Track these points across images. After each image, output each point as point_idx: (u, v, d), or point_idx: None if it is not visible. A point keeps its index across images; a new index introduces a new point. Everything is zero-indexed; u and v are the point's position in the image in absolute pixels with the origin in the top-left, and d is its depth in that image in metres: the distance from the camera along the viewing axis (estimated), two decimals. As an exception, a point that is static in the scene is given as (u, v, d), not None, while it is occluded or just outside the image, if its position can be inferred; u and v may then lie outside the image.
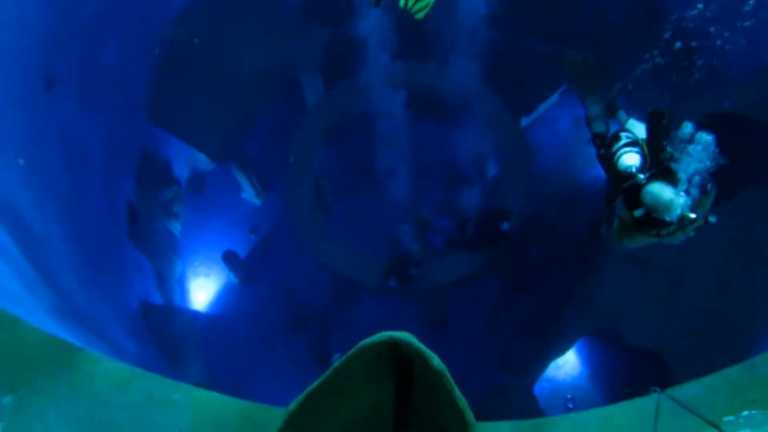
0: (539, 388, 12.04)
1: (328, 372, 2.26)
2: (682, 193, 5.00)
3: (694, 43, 10.33)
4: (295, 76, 12.82)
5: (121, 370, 2.85)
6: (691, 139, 5.11)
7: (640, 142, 5.62)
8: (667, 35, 11.17)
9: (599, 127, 6.32)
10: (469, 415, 2.07)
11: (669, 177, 5.16)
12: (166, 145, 12.31)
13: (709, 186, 5.17)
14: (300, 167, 12.90)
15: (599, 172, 13.06)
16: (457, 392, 2.21)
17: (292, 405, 2.31)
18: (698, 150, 5.06)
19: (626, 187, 5.44)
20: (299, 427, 2.29)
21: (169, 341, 10.72)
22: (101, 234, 9.47)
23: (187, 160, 13.26)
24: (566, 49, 6.55)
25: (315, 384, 2.27)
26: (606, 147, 5.93)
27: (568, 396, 12.30)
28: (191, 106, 11.48)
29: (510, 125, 13.25)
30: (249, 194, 13.88)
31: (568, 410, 12.19)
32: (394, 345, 2.17)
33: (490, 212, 12.24)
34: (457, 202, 12.79)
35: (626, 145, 5.60)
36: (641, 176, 5.31)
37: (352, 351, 2.21)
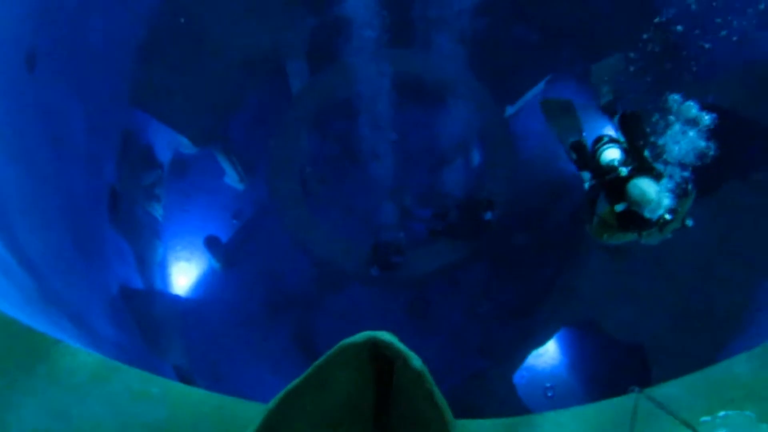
0: (519, 376, 12.11)
1: (309, 370, 2.24)
2: (667, 192, 5.04)
3: (679, 36, 10.35)
4: (280, 61, 12.70)
5: (99, 362, 2.82)
6: (695, 120, 5.17)
7: (621, 141, 5.71)
8: (653, 28, 11.17)
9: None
10: (449, 414, 2.06)
11: (652, 174, 5.21)
12: (149, 128, 12.17)
13: (689, 187, 5.21)
14: (283, 152, 12.81)
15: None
16: (437, 392, 2.20)
17: (272, 402, 2.30)
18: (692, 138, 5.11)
19: (608, 180, 5.50)
20: (278, 423, 2.28)
21: (149, 325, 10.65)
22: (82, 217, 9.36)
23: (169, 143, 13.13)
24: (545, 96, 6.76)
25: (295, 381, 2.26)
26: (584, 150, 6.02)
27: (548, 385, 12.40)
28: (175, 89, 11.37)
29: (495, 112, 13.22)
30: (232, 179, 13.79)
31: (548, 399, 12.30)
32: (375, 345, 2.16)
33: (474, 200, 12.23)
34: (440, 189, 12.77)
35: (607, 142, 5.71)
36: (623, 169, 5.37)
37: (332, 350, 2.20)
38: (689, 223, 5.34)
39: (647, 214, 5.09)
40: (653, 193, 5.02)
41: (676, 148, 5.24)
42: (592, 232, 5.84)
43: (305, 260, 12.86)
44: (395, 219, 12.57)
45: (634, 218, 5.23)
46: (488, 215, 11.89)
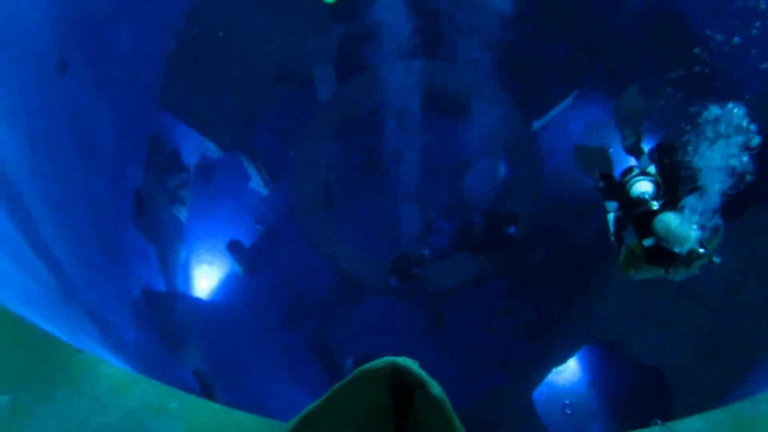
0: (537, 392, 12.01)
1: (328, 393, 2.24)
2: (695, 226, 4.95)
3: (707, 54, 10.24)
4: (307, 69, 12.74)
5: (120, 374, 2.83)
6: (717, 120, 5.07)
7: (653, 174, 5.61)
8: (684, 47, 11.09)
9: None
10: (468, 442, 2.04)
11: (682, 209, 5.12)
12: (176, 132, 12.28)
13: (719, 224, 5.12)
14: (308, 160, 12.86)
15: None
16: (456, 421, 2.19)
17: (290, 423, 2.30)
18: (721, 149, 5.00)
19: (638, 214, 5.39)
20: (296, 446, 2.27)
21: (169, 328, 10.73)
22: (107, 219, 9.45)
23: (196, 147, 13.24)
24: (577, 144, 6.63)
25: (314, 404, 2.26)
26: (613, 179, 5.93)
27: (567, 402, 12.26)
28: (203, 94, 11.47)
29: (521, 127, 13.16)
30: (257, 184, 13.85)
31: (566, 416, 12.18)
32: (395, 370, 2.16)
33: (497, 215, 12.17)
34: (464, 203, 12.73)
35: (639, 174, 5.62)
36: (654, 203, 5.27)
37: (352, 374, 2.20)
38: (716, 260, 5.23)
39: (676, 249, 4.99)
40: (677, 226, 4.93)
41: (712, 156, 5.12)
42: (619, 267, 5.73)
43: (326, 268, 12.87)
44: (417, 230, 12.54)
45: (663, 253, 5.13)
46: (511, 229, 11.84)
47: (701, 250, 4.99)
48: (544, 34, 13.14)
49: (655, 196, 5.38)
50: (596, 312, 11.12)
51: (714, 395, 8.13)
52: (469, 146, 12.67)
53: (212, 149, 13.09)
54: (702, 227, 4.99)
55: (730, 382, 8.02)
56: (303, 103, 13.43)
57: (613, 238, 5.93)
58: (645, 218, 5.25)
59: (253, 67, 11.76)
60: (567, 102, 13.53)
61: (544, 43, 13.18)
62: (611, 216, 6.04)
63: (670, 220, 4.99)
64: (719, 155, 5.01)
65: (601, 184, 6.18)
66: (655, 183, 5.47)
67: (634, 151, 6.39)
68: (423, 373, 2.12)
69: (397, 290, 12.12)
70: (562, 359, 11.77)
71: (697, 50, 10.70)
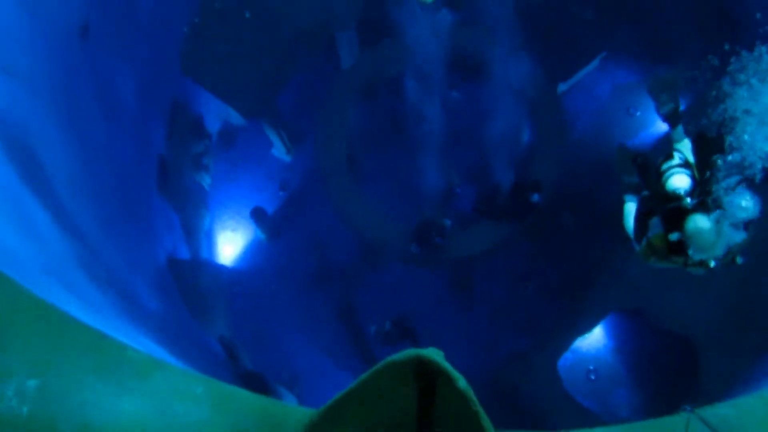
0: (562, 358, 12.00)
1: (355, 383, 2.22)
2: (724, 239, 4.80)
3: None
4: (331, 33, 12.57)
5: (145, 359, 2.83)
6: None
7: (692, 165, 5.38)
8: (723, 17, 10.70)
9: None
10: (492, 433, 2.02)
11: (713, 209, 4.96)
12: (199, 98, 12.23)
13: (751, 227, 4.96)
14: (331, 125, 12.79)
15: (636, 142, 12.79)
16: (482, 413, 2.16)
17: (317, 411, 2.28)
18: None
19: (669, 208, 5.20)
20: (323, 432, 2.26)
21: (194, 294, 10.83)
22: (131, 185, 9.48)
23: (219, 113, 13.20)
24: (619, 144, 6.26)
25: (340, 394, 2.24)
26: (649, 168, 5.69)
27: (591, 367, 12.26)
28: (225, 60, 11.37)
29: (547, 90, 12.94)
30: (279, 150, 13.82)
31: (590, 381, 12.18)
32: (420, 362, 2.13)
33: (522, 181, 12.06)
34: (488, 169, 12.58)
35: (678, 165, 5.37)
36: (688, 200, 5.08)
37: (378, 365, 2.17)
38: (739, 260, 5.09)
39: (693, 255, 4.88)
40: (708, 235, 4.78)
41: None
42: (640, 253, 5.59)
43: (349, 233, 12.88)
44: (440, 195, 12.47)
45: (685, 248, 5.02)
46: (535, 197, 11.72)
47: (711, 263, 4.88)
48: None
49: (691, 193, 5.17)
50: (623, 278, 11.01)
51: (742, 367, 8.05)
52: (494, 109, 12.48)
53: (235, 115, 13.03)
54: (729, 231, 4.85)
55: (758, 354, 7.93)
56: (326, 68, 13.29)
57: (629, 228, 5.78)
58: (676, 214, 5.08)
59: (276, 31, 11.61)
60: (594, 64, 13.25)
61: (570, 3, 12.85)
62: (630, 205, 5.88)
63: (703, 225, 4.82)
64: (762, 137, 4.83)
65: (633, 175, 5.92)
66: (693, 178, 5.25)
67: (671, 118, 6.15)
68: (448, 366, 2.10)
69: (420, 256, 12.10)
70: (588, 326, 11.72)
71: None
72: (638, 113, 13.43)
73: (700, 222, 4.85)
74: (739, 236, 4.87)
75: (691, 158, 5.55)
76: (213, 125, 13.16)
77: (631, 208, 6.00)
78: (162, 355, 5.86)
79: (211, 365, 9.97)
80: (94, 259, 6.77)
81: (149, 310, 8.25)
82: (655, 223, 5.37)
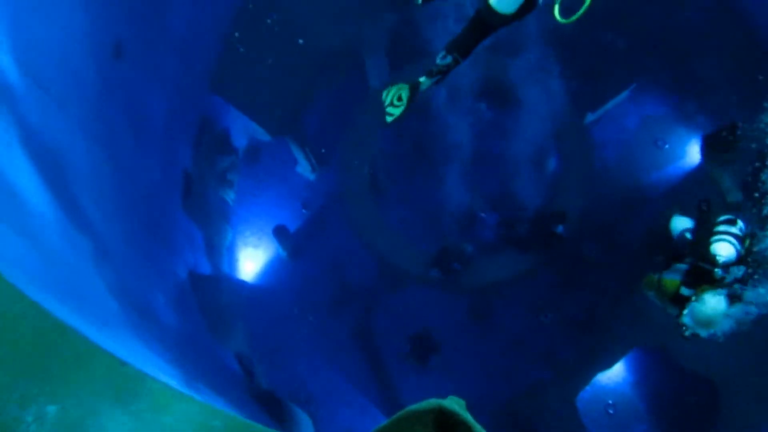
0: (580, 390, 11.83)
1: (373, 431, 2.17)
2: (728, 327, 4.71)
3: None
4: (360, 55, 12.62)
5: (163, 391, 2.80)
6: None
7: (746, 239, 5.22)
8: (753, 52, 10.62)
9: None
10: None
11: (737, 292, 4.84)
12: (227, 114, 12.33)
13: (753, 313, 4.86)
14: (356, 146, 12.81)
15: (663, 175, 12.67)
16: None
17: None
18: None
19: (700, 266, 5.08)
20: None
21: (213, 309, 10.84)
22: (156, 200, 9.54)
23: (245, 129, 13.28)
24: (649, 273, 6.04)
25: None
26: (709, 216, 5.54)
27: (610, 401, 12.06)
28: (254, 78, 11.45)
29: (575, 120, 12.86)
30: (304, 168, 13.84)
31: (608, 416, 11.98)
32: (441, 412, 2.08)
33: (547, 211, 11.98)
34: (512, 197, 12.52)
35: (733, 235, 5.22)
36: (719, 271, 4.95)
37: (398, 414, 2.12)
38: (720, 339, 4.98)
39: (689, 323, 4.79)
40: (717, 316, 4.68)
41: None
42: (644, 282, 5.49)
43: (370, 256, 12.84)
44: (463, 222, 12.41)
45: (685, 308, 4.92)
46: (559, 228, 11.62)
47: (702, 333, 4.78)
48: (602, 24, 12.77)
49: (728, 266, 5.02)
50: (647, 314, 10.83)
51: (763, 409, 7.88)
52: (520, 138, 12.43)
53: (261, 132, 13.10)
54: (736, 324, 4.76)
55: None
56: (354, 89, 13.33)
57: (665, 250, 5.65)
58: (703, 276, 4.97)
59: (305, 51, 11.69)
60: (624, 95, 13.16)
61: (601, 32, 12.79)
62: (679, 227, 5.72)
63: (718, 305, 4.72)
64: None
65: (703, 208, 5.72)
66: (738, 254, 5.08)
67: (737, 208, 5.98)
68: (469, 417, 2.05)
69: (440, 282, 12.03)
70: (609, 361, 11.54)
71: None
72: (666, 146, 13.30)
73: (715, 300, 4.74)
74: (740, 326, 4.79)
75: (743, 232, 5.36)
76: (239, 141, 13.25)
77: (679, 223, 5.82)
78: (179, 371, 5.86)
79: (227, 381, 9.96)
80: (116, 274, 6.80)
81: (168, 324, 8.26)
82: (678, 268, 5.26)
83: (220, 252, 12.27)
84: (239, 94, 11.75)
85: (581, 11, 3.47)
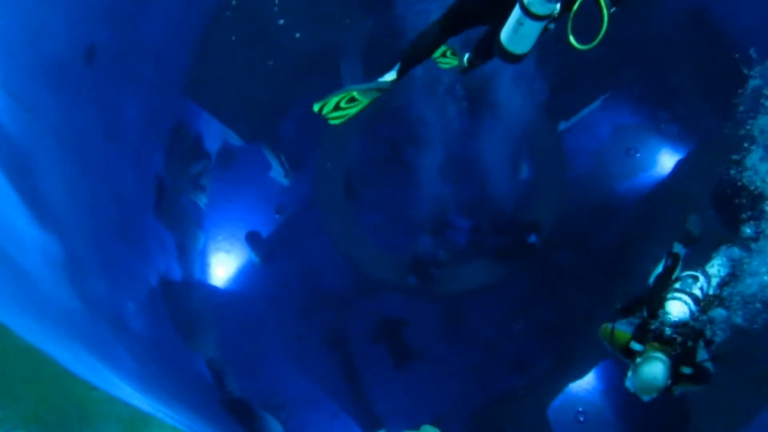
0: (551, 397, 11.90)
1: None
2: (666, 393, 4.69)
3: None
4: (335, 61, 12.57)
5: (133, 415, 2.75)
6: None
7: (701, 299, 5.02)
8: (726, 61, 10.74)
9: None
10: None
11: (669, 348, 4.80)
12: (200, 119, 12.21)
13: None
14: (331, 151, 12.74)
15: (635, 183, 12.81)
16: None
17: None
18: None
19: (650, 324, 4.97)
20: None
21: (184, 315, 10.71)
22: (128, 204, 9.40)
23: (218, 134, 13.17)
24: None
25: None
26: (673, 268, 5.41)
27: (580, 409, 12.16)
28: (228, 83, 11.36)
29: (548, 128, 12.96)
30: (278, 173, 13.77)
31: (579, 423, 12.07)
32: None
33: (520, 219, 12.04)
34: (486, 204, 12.57)
35: (689, 294, 4.97)
36: (669, 331, 4.85)
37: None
38: (677, 393, 4.94)
39: (631, 387, 4.77)
40: (655, 382, 4.63)
41: None
42: (600, 330, 5.35)
43: (343, 261, 12.81)
44: (437, 229, 12.41)
45: (634, 355, 4.87)
46: (532, 238, 11.68)
47: (645, 398, 4.74)
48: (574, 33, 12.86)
49: (678, 327, 4.82)
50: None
51: (735, 424, 7.97)
52: (494, 145, 12.48)
53: (234, 136, 13.00)
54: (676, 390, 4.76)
55: (751, 413, 7.84)
56: (329, 95, 13.26)
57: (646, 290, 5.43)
58: (651, 335, 4.89)
59: (280, 56, 11.60)
60: (596, 103, 13.29)
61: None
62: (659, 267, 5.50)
63: (658, 372, 4.64)
64: None
65: (669, 260, 5.55)
66: (691, 315, 4.87)
67: (689, 240, 5.78)
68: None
69: (414, 288, 12.02)
70: (582, 370, 11.61)
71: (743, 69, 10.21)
72: (638, 155, 13.48)
73: (656, 367, 4.66)
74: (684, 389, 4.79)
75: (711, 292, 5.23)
76: (212, 145, 13.14)
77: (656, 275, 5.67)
78: (149, 379, 5.78)
79: (197, 388, 9.85)
80: (86, 281, 6.69)
81: (138, 331, 8.15)
82: (632, 320, 5.13)
83: (192, 257, 12.14)
84: (214, 100, 11.62)
85: (600, 36, 3.31)
